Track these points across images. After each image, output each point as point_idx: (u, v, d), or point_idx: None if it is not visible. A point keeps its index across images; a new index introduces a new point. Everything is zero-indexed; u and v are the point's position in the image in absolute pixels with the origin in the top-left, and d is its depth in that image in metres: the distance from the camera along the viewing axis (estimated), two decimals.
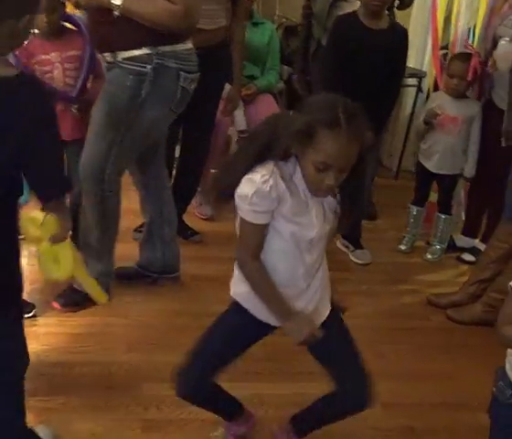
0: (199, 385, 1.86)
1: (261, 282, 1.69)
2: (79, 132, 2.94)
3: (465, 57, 3.43)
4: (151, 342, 2.64)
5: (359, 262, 3.53)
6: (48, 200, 1.51)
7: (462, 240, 3.75)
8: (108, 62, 2.65)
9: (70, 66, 2.96)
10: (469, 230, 3.75)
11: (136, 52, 2.54)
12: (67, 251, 1.60)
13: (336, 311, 1.89)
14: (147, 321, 2.78)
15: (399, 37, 3.19)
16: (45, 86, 1.67)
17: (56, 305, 2.77)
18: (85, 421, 2.19)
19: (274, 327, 1.81)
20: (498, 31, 3.29)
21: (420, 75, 4.52)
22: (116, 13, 2.46)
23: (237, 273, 1.80)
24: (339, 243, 3.59)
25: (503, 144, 3.21)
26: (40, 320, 2.70)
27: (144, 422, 2.22)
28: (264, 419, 2.28)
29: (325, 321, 1.83)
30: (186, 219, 3.56)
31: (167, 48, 2.55)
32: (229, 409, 2.06)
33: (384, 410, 2.41)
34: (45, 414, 2.20)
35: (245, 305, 1.79)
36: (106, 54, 2.63)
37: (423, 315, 3.09)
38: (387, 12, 3.27)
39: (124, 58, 2.56)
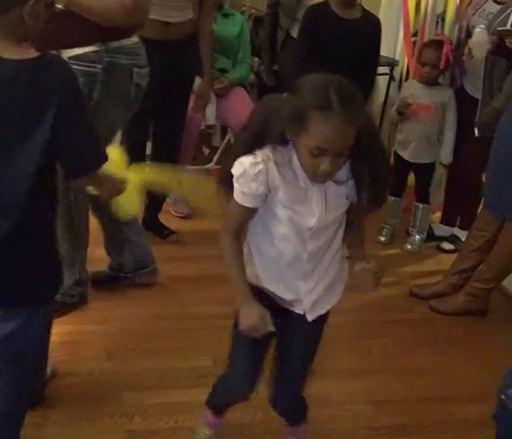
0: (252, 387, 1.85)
1: (231, 258, 1.64)
2: None
3: (437, 44, 3.42)
4: (131, 348, 2.54)
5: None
6: (81, 175, 1.61)
7: (440, 229, 3.74)
8: None
9: None
10: (447, 219, 3.74)
11: (84, 50, 2.33)
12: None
13: (325, 318, 1.83)
14: (126, 326, 2.69)
15: (372, 27, 3.15)
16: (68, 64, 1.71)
17: None
18: (67, 435, 2.11)
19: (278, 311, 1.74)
20: (472, 21, 3.27)
21: (392, 63, 4.48)
22: (59, 5, 2.18)
23: (246, 254, 1.74)
24: None
25: (476, 135, 3.19)
26: None
27: (129, 434, 2.13)
28: (252, 423, 2.23)
29: (312, 324, 1.77)
30: (163, 218, 3.46)
31: (117, 44, 2.37)
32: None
33: (374, 408, 2.38)
34: (25, 428, 2.04)
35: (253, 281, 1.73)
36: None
37: (407, 307, 3.06)
38: (359, 1, 3.21)
39: (70, 58, 2.31)
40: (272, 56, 3.74)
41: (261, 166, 1.53)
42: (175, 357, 2.49)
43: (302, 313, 1.73)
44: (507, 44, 2.85)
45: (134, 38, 2.45)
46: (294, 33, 3.41)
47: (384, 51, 4.33)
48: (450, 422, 2.34)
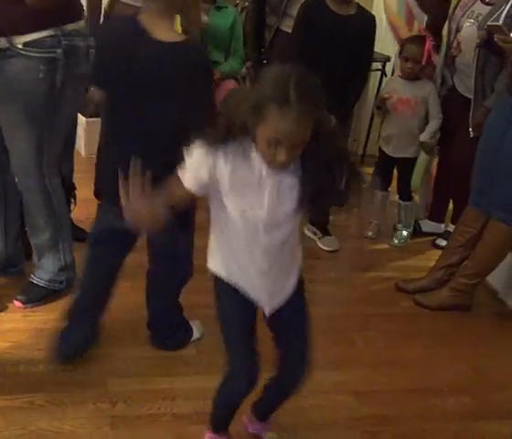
0: (254, 367, 1.83)
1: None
2: None
3: (419, 40, 3.45)
4: (117, 336, 2.56)
5: (327, 249, 3.50)
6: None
7: (428, 225, 3.77)
8: (2, 49, 2.29)
9: None
10: (435, 215, 3.77)
11: (40, 35, 2.26)
12: None
13: (302, 293, 1.85)
14: (113, 314, 2.66)
15: (366, 23, 3.18)
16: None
17: (18, 303, 2.66)
18: (52, 419, 2.12)
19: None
20: (461, 23, 3.29)
21: (384, 59, 4.51)
22: None
23: (211, 244, 1.78)
24: (306, 230, 3.56)
25: (471, 135, 3.21)
26: (3, 316, 2.61)
27: (113, 419, 2.16)
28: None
29: (288, 300, 1.80)
30: None
31: (72, 27, 2.34)
32: (229, 420, 2.01)
33: (356, 398, 2.41)
34: (10, 413, 2.13)
35: (221, 273, 1.78)
36: (1, 40, 2.27)
37: (392, 301, 3.09)
38: None
39: (26, 44, 2.27)
40: (259, 49, 3.71)
41: (210, 155, 1.58)
42: None
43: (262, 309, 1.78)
44: (496, 40, 2.87)
45: (84, 20, 2.46)
46: (284, 27, 3.42)
47: (377, 47, 4.37)
48: (431, 413, 2.37)
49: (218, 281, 1.79)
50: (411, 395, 2.45)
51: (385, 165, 3.64)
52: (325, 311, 2.89)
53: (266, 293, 1.76)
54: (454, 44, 3.20)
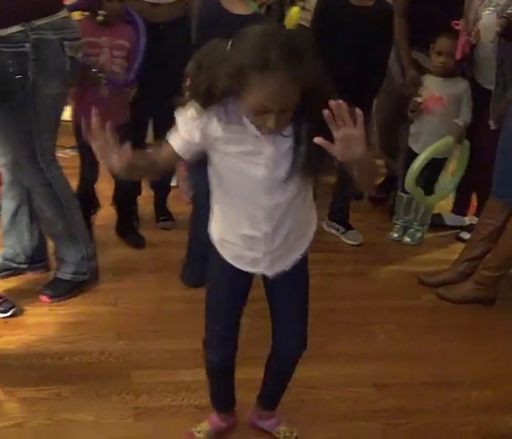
0: (227, 345, 1.92)
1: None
2: (112, 117, 2.93)
3: (452, 33, 3.34)
4: (141, 329, 2.62)
5: (352, 242, 3.51)
6: None
7: (451, 218, 3.75)
8: None
9: (118, 54, 2.92)
10: (458, 208, 3.75)
11: (9, 31, 2.32)
12: None
13: (305, 269, 1.85)
14: (136, 308, 2.76)
15: (384, 14, 3.17)
16: None
17: (44, 298, 2.74)
18: (77, 410, 2.18)
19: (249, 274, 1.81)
20: (479, 11, 3.24)
21: None
22: None
23: (212, 213, 1.79)
24: (326, 226, 3.56)
25: (492, 127, 3.17)
26: (30, 310, 2.68)
27: (136, 410, 2.20)
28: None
29: (291, 273, 1.79)
30: (174, 203, 3.54)
31: (42, 21, 2.37)
32: (229, 399, 2.09)
33: (376, 391, 2.42)
34: (37, 404, 2.19)
35: (217, 243, 1.80)
36: None
37: (414, 295, 3.08)
38: None
39: None
40: None
41: (202, 116, 1.54)
42: (183, 338, 2.54)
43: (260, 273, 1.79)
44: None
45: (64, 13, 2.48)
46: (305, 22, 3.43)
47: None
48: (451, 406, 2.37)
49: (213, 249, 1.80)
50: (432, 388, 2.45)
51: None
52: (346, 304, 2.92)
53: (269, 258, 1.74)
54: (473, 32, 3.17)
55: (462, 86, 3.35)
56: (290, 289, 1.83)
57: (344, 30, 3.08)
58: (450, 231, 3.72)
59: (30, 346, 2.47)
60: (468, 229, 3.58)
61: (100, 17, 2.88)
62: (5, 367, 2.36)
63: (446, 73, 3.34)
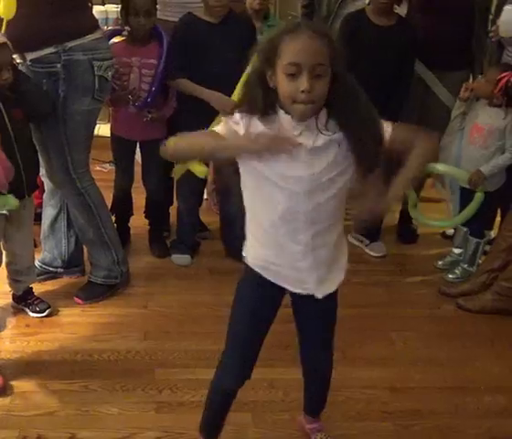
0: (242, 374, 1.92)
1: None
2: (149, 133, 3.14)
3: (505, 67, 3.17)
4: (167, 331, 2.77)
5: (376, 254, 3.57)
6: None
7: None
8: (19, 64, 2.59)
9: (147, 72, 3.09)
10: None
11: (43, 52, 2.55)
12: None
13: (335, 297, 1.88)
14: (164, 311, 2.92)
15: (407, 34, 3.24)
16: None
17: (78, 300, 2.92)
18: (103, 402, 2.33)
19: (283, 290, 1.81)
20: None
21: None
22: None
23: (246, 231, 1.80)
24: (350, 237, 3.64)
25: None
26: (65, 311, 2.87)
27: (158, 404, 2.34)
28: (273, 402, 2.39)
29: (323, 304, 1.82)
30: (204, 214, 3.69)
31: (73, 43, 2.57)
32: (220, 427, 2.05)
33: (391, 393, 2.49)
34: (67, 395, 2.36)
35: (250, 262, 1.80)
36: (15, 55, 2.56)
37: (434, 305, 3.14)
38: (396, 8, 3.32)
39: (32, 60, 2.57)
40: None
41: (244, 117, 1.61)
42: (205, 340, 2.67)
43: (309, 293, 1.78)
44: None
45: (97, 34, 2.67)
46: None
47: None
48: (464, 410, 2.42)
49: (246, 268, 1.82)
50: (446, 392, 2.51)
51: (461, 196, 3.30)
52: (366, 311, 3.00)
53: (316, 276, 1.75)
54: (493, 28, 3.20)
55: (506, 120, 3.13)
56: (319, 318, 1.87)
57: (367, 49, 3.16)
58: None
59: (63, 343, 2.64)
60: (490, 243, 3.61)
61: (125, 33, 3.06)
62: (40, 361, 2.53)
63: (493, 103, 3.14)
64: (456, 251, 3.49)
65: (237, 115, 1.62)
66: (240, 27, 3.10)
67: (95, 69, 2.63)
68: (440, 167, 3.12)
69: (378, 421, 2.35)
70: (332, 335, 1.96)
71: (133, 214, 3.52)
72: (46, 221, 3.03)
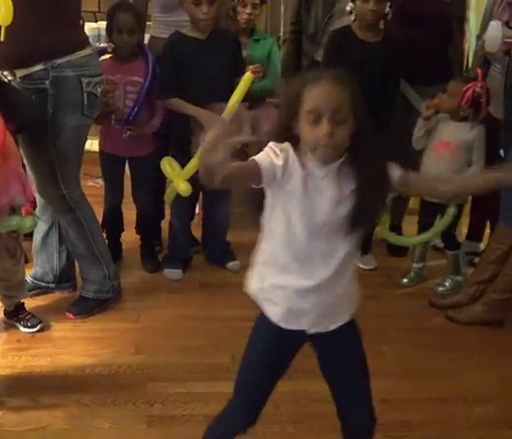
0: (253, 419, 1.84)
1: None
2: (136, 149, 3.19)
3: (466, 78, 3.27)
4: (158, 345, 2.78)
5: (366, 267, 3.60)
6: None
7: (466, 245, 3.81)
8: (10, 81, 2.63)
9: (131, 89, 3.12)
10: (473, 235, 3.82)
11: (32, 69, 2.57)
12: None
13: (357, 330, 1.85)
14: (156, 326, 2.93)
15: (393, 49, 3.28)
16: None
17: (69, 315, 2.92)
18: (94, 416, 2.33)
19: (301, 336, 1.76)
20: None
21: None
22: None
23: (258, 266, 1.76)
24: None
25: (503, 156, 3.21)
26: (56, 326, 2.87)
27: (149, 418, 2.34)
28: (263, 414, 2.36)
29: (342, 336, 1.79)
30: (196, 229, 3.69)
31: (62, 60, 2.60)
32: None
33: (382, 405, 2.45)
34: (59, 410, 2.35)
35: (258, 302, 1.76)
36: (6, 72, 2.61)
37: (424, 316, 3.16)
38: (382, 23, 3.37)
39: (22, 77, 2.59)
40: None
41: (284, 146, 1.61)
42: (197, 353, 2.70)
43: (304, 328, 1.73)
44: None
45: (87, 51, 2.70)
46: (319, 57, 3.58)
47: None
48: (454, 421, 2.44)
49: (258, 315, 1.77)
50: (437, 403, 2.52)
51: (426, 210, 3.36)
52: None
53: (318, 311, 1.71)
54: (479, 43, 3.24)
55: (472, 133, 3.16)
56: (344, 354, 1.81)
57: (354, 65, 3.18)
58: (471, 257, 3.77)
59: (54, 358, 2.64)
60: (481, 255, 3.64)
61: (109, 50, 3.10)
62: (31, 376, 2.53)
63: (455, 116, 3.19)
64: (416, 265, 3.49)
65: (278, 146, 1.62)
66: (225, 43, 3.17)
67: (84, 85, 2.66)
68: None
69: None
70: (366, 377, 1.87)
71: (123, 230, 3.54)
72: (37, 236, 3.04)
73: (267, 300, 1.73)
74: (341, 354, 1.80)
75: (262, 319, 1.75)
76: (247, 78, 3.04)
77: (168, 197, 3.26)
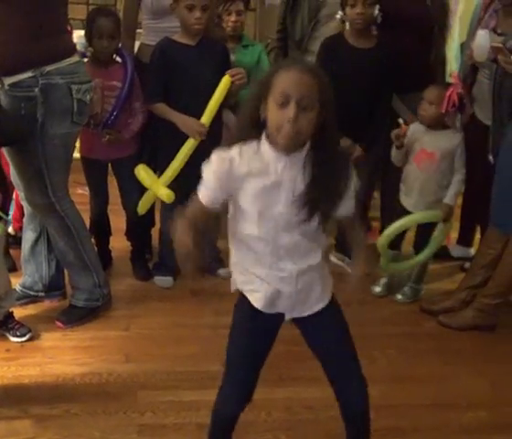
0: (243, 398, 1.90)
1: None
2: (117, 151, 3.18)
3: (444, 84, 3.31)
4: (149, 353, 2.75)
5: None
6: None
7: (457, 250, 3.83)
8: None
9: (110, 94, 3.11)
10: (463, 240, 3.83)
11: (21, 77, 2.55)
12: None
13: (336, 308, 1.93)
14: (146, 333, 2.90)
15: (386, 56, 3.28)
16: None
17: (59, 323, 2.90)
18: (85, 426, 2.31)
19: (278, 317, 1.83)
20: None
21: None
22: None
23: (232, 257, 1.85)
24: (333, 257, 3.65)
25: (492, 162, 3.20)
26: (46, 335, 2.84)
27: (140, 427, 2.32)
28: (256, 422, 2.38)
29: (322, 315, 1.86)
30: None
31: (51, 68, 2.58)
32: None
33: (374, 411, 2.45)
34: (48, 420, 2.33)
35: (238, 286, 1.85)
36: None
37: (415, 322, 3.16)
38: (374, 29, 3.37)
39: (10, 85, 2.56)
40: None
41: (226, 163, 1.66)
42: (187, 361, 2.68)
43: (282, 312, 1.82)
44: (499, 60, 2.93)
45: (74, 58, 2.69)
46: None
47: None
48: (446, 426, 2.43)
49: (238, 296, 1.86)
50: (429, 409, 2.52)
51: (419, 231, 3.30)
52: None
53: (289, 301, 1.79)
54: (468, 52, 3.26)
55: (455, 139, 3.14)
56: (325, 326, 1.88)
57: (346, 72, 3.21)
58: (455, 263, 3.79)
59: (44, 367, 2.61)
60: (471, 260, 3.64)
61: (88, 54, 3.10)
62: (20, 386, 2.50)
63: (433, 124, 3.12)
64: (414, 285, 3.43)
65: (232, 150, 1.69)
66: (214, 49, 3.18)
67: (73, 92, 2.64)
68: (413, 219, 3.19)
69: None
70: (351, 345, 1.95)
71: (111, 234, 3.52)
72: (26, 245, 3.01)
73: (248, 291, 1.82)
74: (323, 330, 1.88)
75: (243, 300, 1.84)
76: (225, 82, 3.05)
77: (143, 206, 3.20)
